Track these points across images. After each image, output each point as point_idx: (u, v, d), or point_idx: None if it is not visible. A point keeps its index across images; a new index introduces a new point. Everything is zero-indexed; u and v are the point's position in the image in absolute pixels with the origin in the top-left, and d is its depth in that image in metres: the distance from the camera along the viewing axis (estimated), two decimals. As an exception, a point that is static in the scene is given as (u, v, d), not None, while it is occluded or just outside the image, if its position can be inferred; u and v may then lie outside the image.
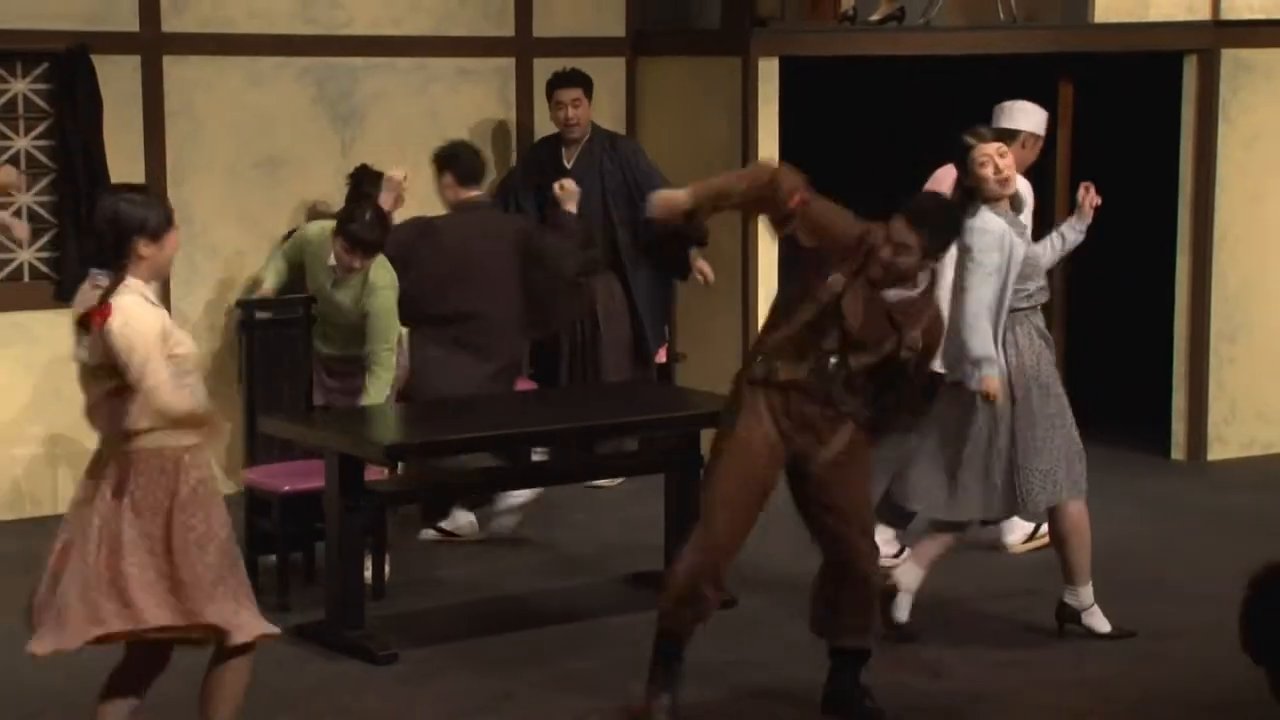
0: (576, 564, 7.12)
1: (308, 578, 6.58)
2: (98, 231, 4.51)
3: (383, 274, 6.87)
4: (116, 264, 4.48)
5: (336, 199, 8.17)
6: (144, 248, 4.49)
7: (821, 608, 5.46)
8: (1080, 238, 6.33)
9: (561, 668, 5.88)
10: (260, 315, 6.84)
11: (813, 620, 5.51)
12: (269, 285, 7.39)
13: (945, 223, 5.30)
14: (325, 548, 6.21)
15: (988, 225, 5.90)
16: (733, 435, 5.24)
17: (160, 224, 4.52)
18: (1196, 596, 6.41)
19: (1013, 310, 5.98)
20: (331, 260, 6.86)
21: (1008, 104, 7.06)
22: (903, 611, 6.11)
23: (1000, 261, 5.88)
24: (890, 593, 6.04)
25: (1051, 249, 6.30)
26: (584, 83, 8.09)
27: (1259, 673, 2.99)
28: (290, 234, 7.67)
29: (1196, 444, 8.77)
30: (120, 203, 4.51)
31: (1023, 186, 6.65)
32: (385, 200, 7.26)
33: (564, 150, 8.14)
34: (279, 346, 6.81)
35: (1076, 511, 6.05)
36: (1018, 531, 7.16)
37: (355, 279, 6.85)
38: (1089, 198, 6.31)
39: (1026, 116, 7.01)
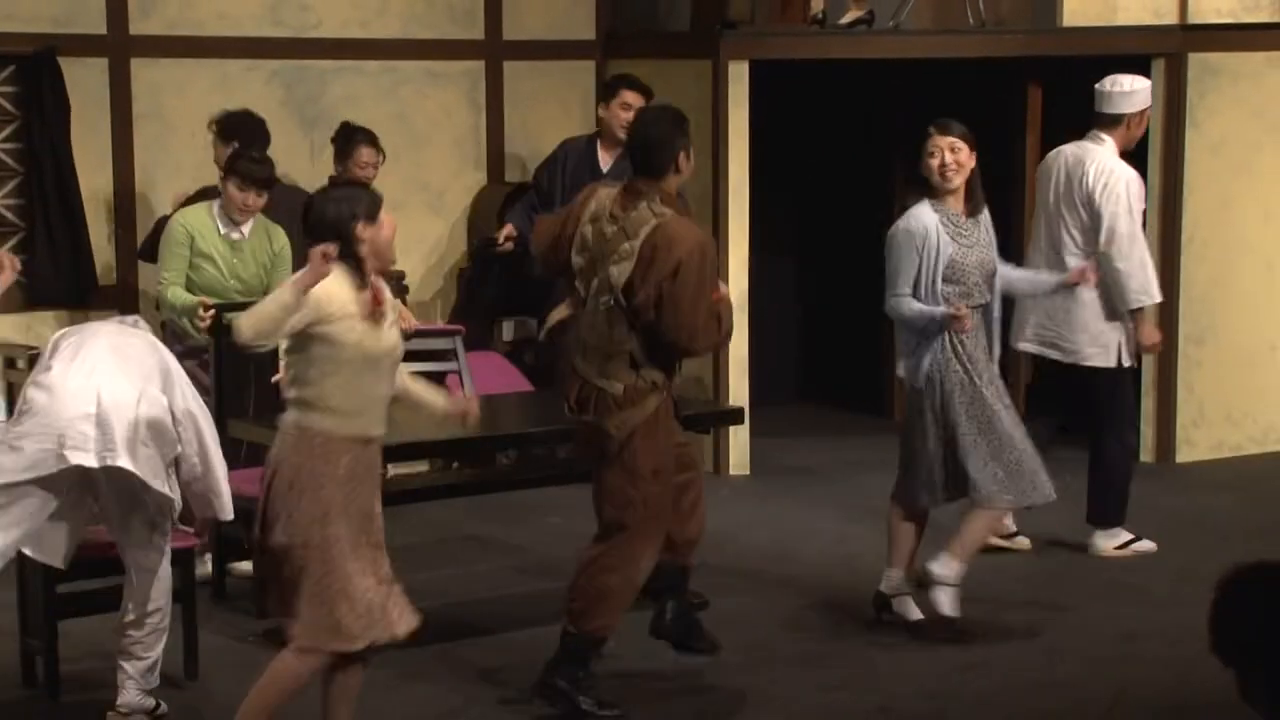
0: (551, 567, 7.08)
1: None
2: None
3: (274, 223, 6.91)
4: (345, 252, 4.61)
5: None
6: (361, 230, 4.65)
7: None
8: (1034, 290, 6.52)
9: (530, 672, 5.80)
10: (228, 318, 6.80)
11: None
12: (187, 298, 6.91)
13: None
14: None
15: (910, 219, 6.02)
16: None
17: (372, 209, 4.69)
18: (1166, 598, 6.43)
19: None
20: (221, 228, 6.81)
21: (1108, 87, 7.13)
22: (946, 606, 6.11)
23: (914, 258, 6.00)
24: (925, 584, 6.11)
25: (1018, 274, 6.42)
26: (649, 93, 7.70)
27: (1228, 674, 2.98)
28: (149, 241, 7.43)
29: (1165, 446, 8.81)
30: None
31: (1129, 173, 6.91)
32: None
33: (600, 153, 7.80)
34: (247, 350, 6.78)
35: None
36: (1112, 539, 7.13)
37: (256, 232, 6.81)
38: (1084, 278, 6.41)
39: (1127, 99, 7.09)
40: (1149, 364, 8.82)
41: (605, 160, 7.73)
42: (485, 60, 8.64)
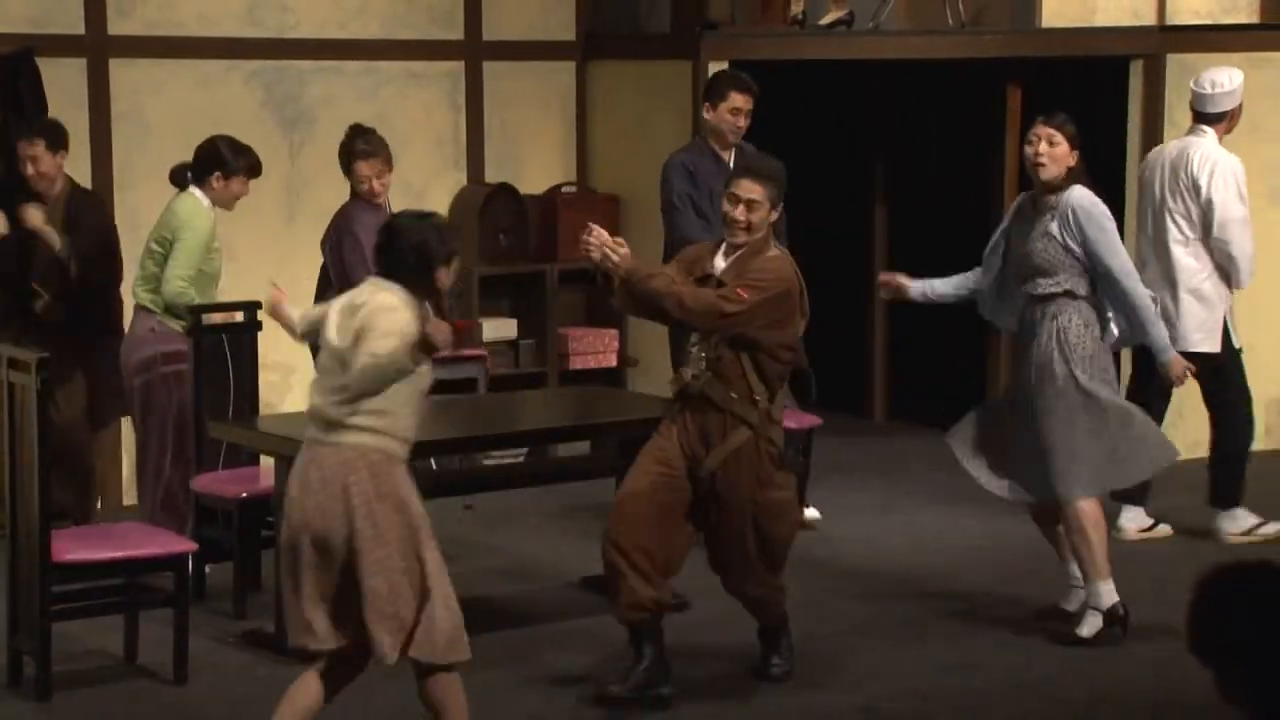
0: (530, 568, 7.11)
1: (255, 585, 6.55)
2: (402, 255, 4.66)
3: None
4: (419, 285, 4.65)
5: (284, 201, 8.16)
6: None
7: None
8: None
9: (516, 671, 5.89)
10: (207, 320, 6.80)
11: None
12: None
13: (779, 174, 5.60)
14: (276, 553, 6.16)
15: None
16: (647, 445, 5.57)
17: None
18: (1144, 598, 6.45)
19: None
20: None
21: (1209, 88, 7.34)
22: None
23: (996, 240, 6.23)
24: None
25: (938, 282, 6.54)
26: (756, 92, 7.38)
27: (1206, 674, 2.98)
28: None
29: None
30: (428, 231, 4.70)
31: (1234, 161, 7.18)
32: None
33: (720, 153, 7.32)
34: (228, 350, 6.77)
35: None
36: (1234, 521, 7.44)
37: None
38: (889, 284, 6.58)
39: (1229, 96, 7.34)
40: (1126, 364, 8.84)
41: (728, 158, 7.32)
42: (465, 61, 8.62)
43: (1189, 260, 7.36)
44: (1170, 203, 7.36)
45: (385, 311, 4.59)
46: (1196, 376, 7.03)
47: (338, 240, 6.99)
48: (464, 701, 4.78)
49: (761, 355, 5.41)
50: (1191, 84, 7.46)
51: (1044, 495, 6.13)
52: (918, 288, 6.44)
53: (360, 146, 6.98)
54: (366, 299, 4.67)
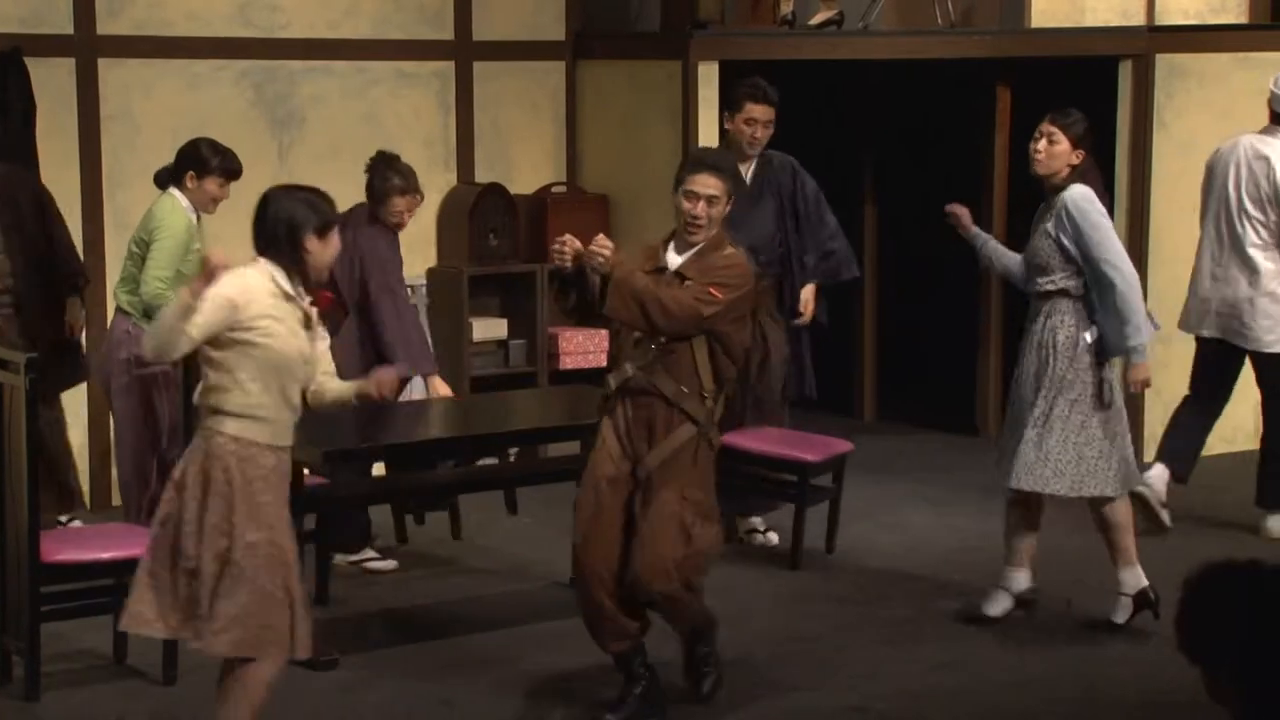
0: (519, 568, 7.12)
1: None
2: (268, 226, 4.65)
3: None
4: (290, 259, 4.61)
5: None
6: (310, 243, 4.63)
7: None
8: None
9: (499, 673, 5.90)
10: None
11: None
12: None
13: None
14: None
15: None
16: (590, 463, 5.44)
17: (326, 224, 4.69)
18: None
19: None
20: (192, 220, 6.81)
21: None
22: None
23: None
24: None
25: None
26: (774, 101, 7.24)
27: (1195, 672, 3.00)
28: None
29: (1133, 445, 8.83)
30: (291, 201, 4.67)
31: None
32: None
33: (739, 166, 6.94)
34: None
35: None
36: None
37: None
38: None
39: None
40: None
41: (745, 171, 7.18)
42: (455, 61, 8.62)
43: (1268, 264, 7.43)
44: (1249, 208, 7.40)
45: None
46: (1257, 378, 7.28)
47: (358, 260, 6.90)
48: (261, 701, 4.70)
49: (719, 353, 5.28)
50: (1271, 84, 7.42)
51: (1015, 484, 6.18)
52: (980, 237, 6.48)
53: (398, 183, 6.89)
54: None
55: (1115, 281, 6.02)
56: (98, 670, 5.91)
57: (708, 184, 5.29)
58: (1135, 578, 6.24)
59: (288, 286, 4.62)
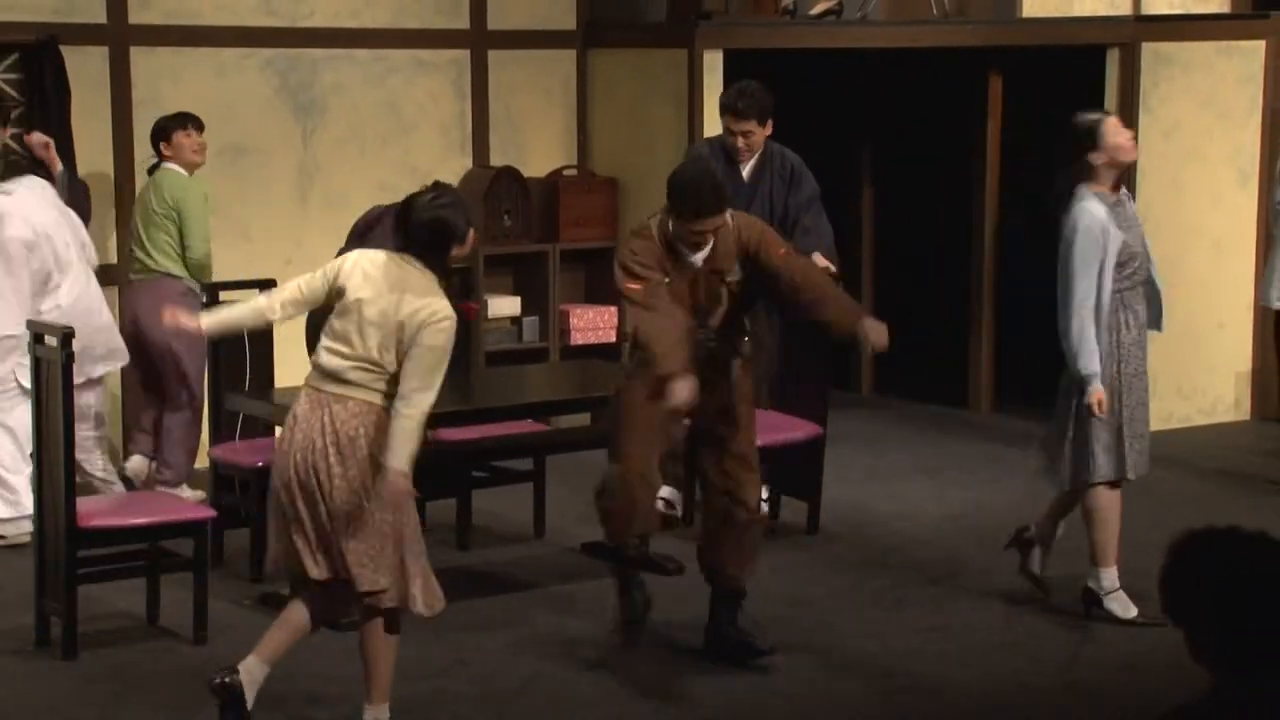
0: (531, 534, 7.21)
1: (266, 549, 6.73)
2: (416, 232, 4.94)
3: None
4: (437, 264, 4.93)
5: (297, 184, 8.33)
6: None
7: (705, 550, 5.77)
8: None
9: (514, 634, 5.99)
10: (224, 295, 6.98)
11: (699, 564, 5.79)
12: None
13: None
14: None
15: (1085, 217, 5.86)
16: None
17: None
18: (1119, 565, 6.67)
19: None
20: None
21: None
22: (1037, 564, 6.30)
23: (1099, 256, 5.85)
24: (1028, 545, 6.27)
25: None
26: (758, 114, 7.03)
27: (1177, 633, 3.07)
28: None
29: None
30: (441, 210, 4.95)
31: None
32: None
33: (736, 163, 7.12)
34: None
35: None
36: None
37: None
38: None
39: None
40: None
41: (743, 169, 7.17)
42: (470, 49, 8.73)
43: None
44: None
45: (435, 307, 4.88)
46: None
47: None
48: (391, 656, 5.02)
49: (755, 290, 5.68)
50: None
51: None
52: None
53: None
54: (412, 284, 4.92)
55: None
56: (131, 631, 6.02)
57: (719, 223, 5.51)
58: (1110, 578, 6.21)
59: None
